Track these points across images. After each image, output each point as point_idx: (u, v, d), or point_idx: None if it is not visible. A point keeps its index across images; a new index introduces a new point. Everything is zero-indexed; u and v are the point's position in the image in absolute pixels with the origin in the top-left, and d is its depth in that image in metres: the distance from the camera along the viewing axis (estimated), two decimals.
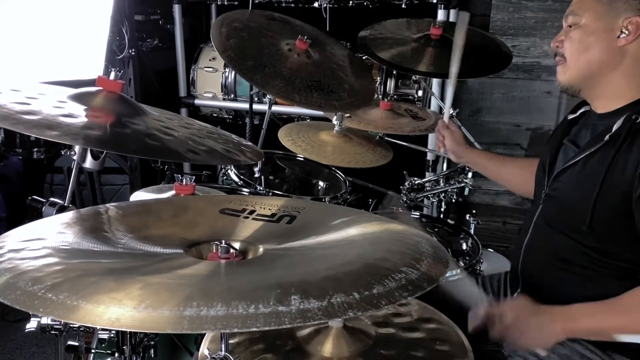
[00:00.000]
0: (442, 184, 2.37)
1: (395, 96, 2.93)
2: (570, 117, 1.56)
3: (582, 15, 1.39)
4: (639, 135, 1.29)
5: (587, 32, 1.39)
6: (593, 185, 1.32)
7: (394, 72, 2.96)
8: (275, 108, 2.81)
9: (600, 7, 1.37)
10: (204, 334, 1.17)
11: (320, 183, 2.39)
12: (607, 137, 1.34)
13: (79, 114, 1.11)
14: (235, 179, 2.08)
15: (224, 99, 3.32)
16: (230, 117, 3.45)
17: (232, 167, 2.11)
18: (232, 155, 1.24)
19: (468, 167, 2.25)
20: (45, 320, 1.26)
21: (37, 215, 1.25)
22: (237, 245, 0.98)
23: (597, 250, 1.35)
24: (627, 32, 1.34)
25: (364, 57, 3.01)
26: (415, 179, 2.35)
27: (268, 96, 2.43)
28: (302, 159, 2.33)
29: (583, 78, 1.42)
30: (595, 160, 1.35)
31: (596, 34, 1.38)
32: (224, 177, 2.18)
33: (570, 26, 1.43)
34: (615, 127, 1.33)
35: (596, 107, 1.46)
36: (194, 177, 1.62)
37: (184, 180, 1.60)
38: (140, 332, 1.27)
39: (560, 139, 1.54)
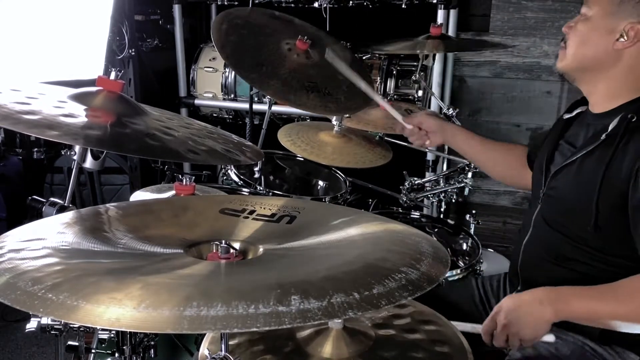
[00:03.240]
0: (442, 184, 2.37)
1: (395, 96, 2.93)
2: (566, 116, 1.56)
3: (592, 8, 1.40)
4: (635, 134, 1.30)
5: (590, 28, 1.40)
6: (593, 185, 1.32)
7: (394, 71, 2.96)
8: (275, 108, 2.81)
9: (609, 6, 1.37)
10: (204, 334, 1.17)
11: (320, 183, 2.39)
12: (603, 136, 1.34)
13: (79, 114, 1.11)
14: (235, 179, 2.08)
15: (224, 99, 3.31)
16: (230, 117, 3.45)
17: (232, 167, 2.11)
18: (232, 155, 1.24)
19: (468, 167, 2.25)
20: (45, 320, 1.26)
21: (37, 215, 1.25)
22: (237, 245, 0.98)
23: (599, 249, 1.36)
24: (625, 37, 1.35)
25: (364, 58, 3.01)
26: (415, 179, 2.35)
27: (268, 96, 2.43)
28: (302, 159, 2.32)
29: (577, 70, 1.44)
30: (592, 159, 1.36)
31: (598, 32, 1.38)
32: (224, 177, 2.18)
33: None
34: (611, 127, 1.34)
35: (592, 106, 1.47)
36: (194, 177, 1.62)
37: (184, 180, 1.60)
38: (140, 332, 1.27)
39: (556, 139, 1.54)
